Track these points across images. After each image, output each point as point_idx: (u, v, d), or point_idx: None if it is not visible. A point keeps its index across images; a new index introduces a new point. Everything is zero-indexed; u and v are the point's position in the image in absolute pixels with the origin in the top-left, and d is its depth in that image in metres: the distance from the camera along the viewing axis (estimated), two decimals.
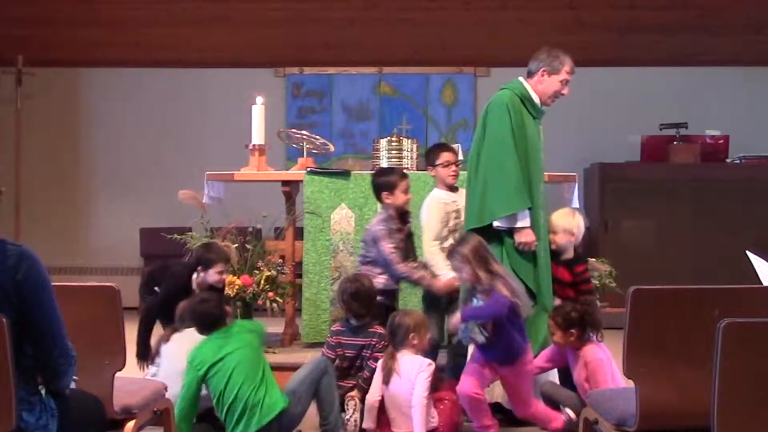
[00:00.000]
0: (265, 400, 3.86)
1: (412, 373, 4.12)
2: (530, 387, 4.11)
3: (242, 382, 3.84)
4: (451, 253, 4.12)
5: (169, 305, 4.45)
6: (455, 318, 4.03)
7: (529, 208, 4.32)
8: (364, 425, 4.22)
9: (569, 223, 4.56)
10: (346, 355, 4.40)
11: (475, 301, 4.02)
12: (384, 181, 4.73)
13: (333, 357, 4.41)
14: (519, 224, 4.31)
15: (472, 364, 4.07)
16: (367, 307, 4.45)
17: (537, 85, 4.49)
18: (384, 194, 4.70)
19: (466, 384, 4.03)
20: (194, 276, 4.75)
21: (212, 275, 4.75)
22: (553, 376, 4.42)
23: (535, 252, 4.36)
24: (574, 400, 4.15)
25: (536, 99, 4.48)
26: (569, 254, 4.58)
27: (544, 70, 4.47)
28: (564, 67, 4.45)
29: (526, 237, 4.32)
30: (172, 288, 4.71)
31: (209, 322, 3.98)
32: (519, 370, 4.04)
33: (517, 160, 4.31)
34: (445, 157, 4.83)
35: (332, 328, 4.61)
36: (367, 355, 4.38)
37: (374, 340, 4.39)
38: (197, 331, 4.02)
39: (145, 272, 4.92)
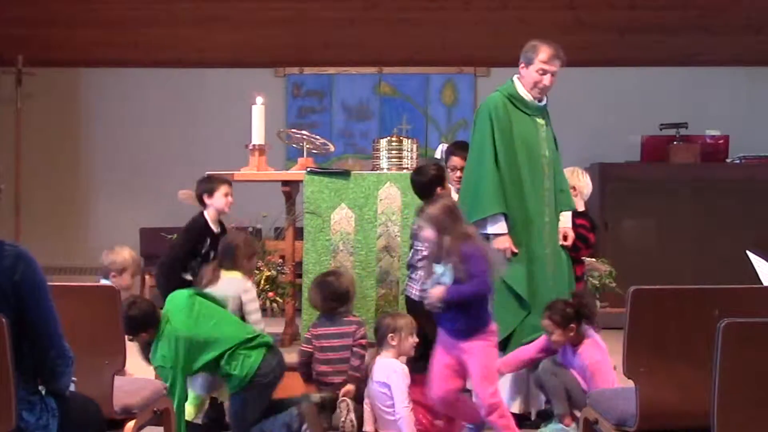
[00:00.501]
0: (250, 336, 3.96)
1: (381, 376, 4.11)
2: (494, 365, 3.85)
3: (226, 337, 3.89)
4: (418, 212, 3.94)
5: (194, 254, 4.69)
6: (436, 291, 3.73)
7: (504, 214, 4.29)
8: (365, 428, 4.21)
9: (568, 179, 4.69)
10: (324, 346, 4.41)
11: (440, 267, 3.77)
12: (434, 178, 4.56)
13: (310, 351, 4.45)
14: (489, 230, 4.29)
15: (437, 367, 3.84)
16: (329, 302, 4.47)
17: (521, 80, 4.45)
18: (438, 189, 4.54)
19: (436, 388, 3.84)
20: (205, 214, 4.84)
21: (219, 199, 4.83)
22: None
23: (530, 256, 4.35)
24: (562, 393, 4.15)
25: (526, 95, 4.43)
26: (579, 207, 4.73)
27: (521, 63, 4.42)
28: (537, 56, 4.33)
29: (500, 244, 4.27)
30: (193, 235, 4.81)
31: (150, 320, 3.90)
32: (484, 343, 3.75)
33: (493, 166, 4.30)
34: (452, 161, 4.86)
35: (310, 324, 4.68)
36: (350, 343, 4.39)
37: (353, 327, 4.42)
38: (145, 335, 3.93)
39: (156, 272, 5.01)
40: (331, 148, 6.10)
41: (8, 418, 2.41)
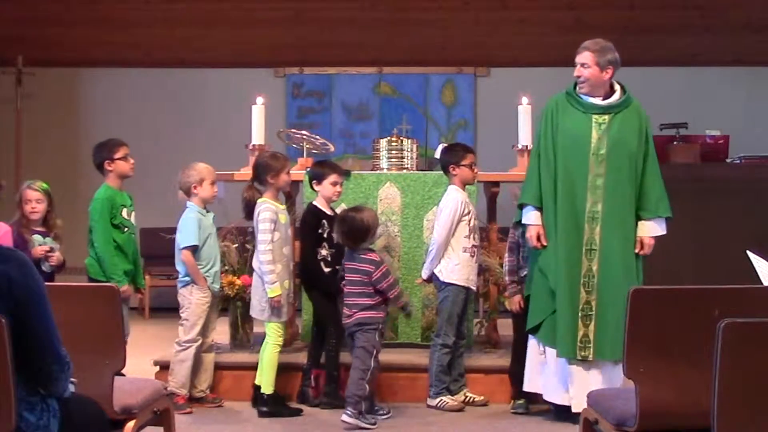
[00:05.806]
0: None
1: None
2: None
3: None
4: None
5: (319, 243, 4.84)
6: None
7: (539, 208, 4.46)
8: None
9: None
10: (346, 279, 4.65)
11: None
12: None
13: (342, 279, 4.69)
14: (523, 219, 4.56)
15: None
16: (346, 237, 4.62)
17: None
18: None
19: None
20: (315, 203, 4.94)
21: (326, 188, 4.89)
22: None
23: (564, 250, 4.41)
24: None
25: (581, 94, 4.49)
26: None
27: None
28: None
29: (528, 233, 4.53)
30: (309, 226, 4.93)
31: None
32: None
33: (536, 161, 4.53)
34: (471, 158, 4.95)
35: None
36: (366, 280, 4.56)
37: (366, 266, 4.58)
38: None
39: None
40: (331, 148, 6.10)
41: (8, 418, 2.41)
